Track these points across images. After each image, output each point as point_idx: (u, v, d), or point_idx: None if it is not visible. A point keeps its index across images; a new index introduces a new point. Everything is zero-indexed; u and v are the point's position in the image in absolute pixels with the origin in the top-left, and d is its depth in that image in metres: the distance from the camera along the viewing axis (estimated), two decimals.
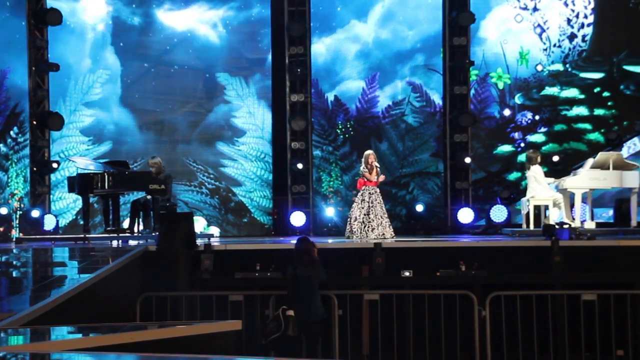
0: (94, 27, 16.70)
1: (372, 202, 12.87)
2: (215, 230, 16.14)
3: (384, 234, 12.74)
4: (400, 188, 16.74)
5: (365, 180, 13.01)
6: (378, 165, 13.13)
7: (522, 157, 16.78)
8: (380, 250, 11.06)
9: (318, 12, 16.73)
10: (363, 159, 13.17)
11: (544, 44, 16.86)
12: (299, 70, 16.14)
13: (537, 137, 16.82)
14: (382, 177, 13.17)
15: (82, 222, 13.98)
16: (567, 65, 16.84)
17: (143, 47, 16.86)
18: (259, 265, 11.08)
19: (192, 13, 16.96)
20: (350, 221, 13.04)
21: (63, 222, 16.13)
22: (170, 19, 16.92)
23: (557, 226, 11.83)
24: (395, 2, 16.94)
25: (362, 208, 12.90)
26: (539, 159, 13.57)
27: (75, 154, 16.32)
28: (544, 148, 16.46)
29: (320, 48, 16.81)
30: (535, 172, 13.38)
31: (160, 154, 15.32)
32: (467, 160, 16.09)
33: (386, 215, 12.97)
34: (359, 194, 13.11)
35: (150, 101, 16.88)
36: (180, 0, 16.94)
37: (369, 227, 12.78)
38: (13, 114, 15.93)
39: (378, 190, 13.04)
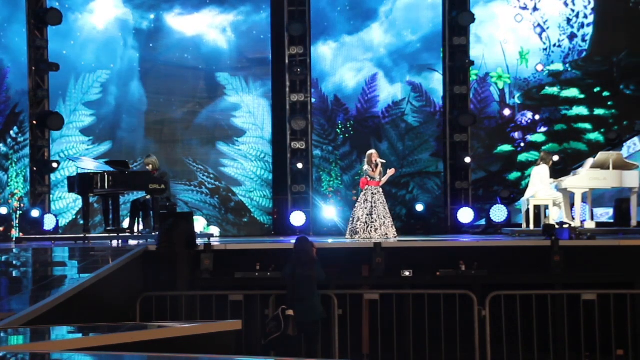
0: (100, 28, 16.69)
1: (374, 202, 12.84)
2: (215, 230, 16.13)
3: (386, 234, 12.72)
4: (400, 188, 16.74)
5: (369, 179, 12.98)
6: (382, 162, 13.08)
7: (522, 157, 16.80)
8: (380, 250, 11.06)
9: (319, 13, 16.71)
10: (366, 159, 13.13)
11: (544, 44, 16.86)
12: (299, 70, 16.13)
13: (537, 137, 16.82)
14: (391, 171, 13.11)
15: (82, 222, 13.98)
16: (567, 65, 16.84)
17: (146, 48, 16.84)
18: (259, 265, 11.09)
19: (197, 16, 16.97)
20: (353, 221, 13.02)
21: (63, 222, 16.13)
22: (177, 22, 16.92)
23: (557, 226, 11.83)
24: (395, 2, 16.94)
25: (365, 208, 12.87)
26: (550, 163, 13.53)
27: (75, 154, 16.32)
28: (544, 148, 16.45)
29: (324, 51, 16.80)
30: (542, 171, 13.34)
31: (161, 154, 15.33)
32: (467, 160, 16.08)
33: (389, 215, 12.94)
34: (362, 193, 13.08)
35: (151, 101, 16.88)
36: (191, 6, 16.92)
37: (371, 227, 12.75)
38: (13, 113, 15.93)
39: (381, 190, 13.01)
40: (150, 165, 13.24)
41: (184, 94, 16.96)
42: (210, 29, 16.97)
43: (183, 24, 16.95)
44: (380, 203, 12.87)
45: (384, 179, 13.04)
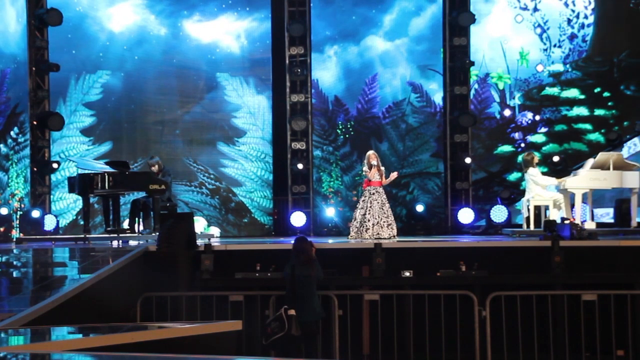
0: (115, 31, 16.68)
1: (370, 202, 12.81)
2: (215, 231, 16.09)
3: (379, 234, 12.61)
4: (401, 188, 16.73)
5: (368, 180, 12.99)
6: (382, 168, 13.03)
7: (522, 158, 16.80)
8: (381, 251, 11.07)
9: (319, 13, 16.70)
10: (365, 160, 13.14)
11: (544, 44, 16.86)
12: (299, 70, 16.13)
13: (538, 137, 16.81)
14: (394, 174, 13.12)
15: (82, 223, 13.97)
16: (567, 65, 16.84)
17: (149, 49, 16.82)
18: (259, 265, 11.09)
19: (211, 23, 17.01)
20: (352, 222, 13.05)
21: (63, 222, 16.12)
22: (189, 27, 16.95)
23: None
24: (396, 2, 16.93)
25: (362, 209, 12.88)
26: (534, 161, 13.49)
27: (76, 154, 16.31)
28: (544, 148, 16.46)
29: (324, 51, 16.79)
30: (533, 174, 13.35)
31: (161, 154, 15.31)
32: (468, 160, 16.09)
33: (386, 215, 12.81)
34: (362, 194, 13.09)
35: (151, 101, 16.87)
36: (209, 13, 16.93)
37: (364, 227, 12.74)
38: (13, 114, 15.92)
39: (380, 190, 12.91)
40: (156, 166, 13.27)
41: (185, 94, 16.96)
42: (224, 35, 16.95)
43: (196, 29, 16.93)
44: (377, 203, 12.78)
45: (387, 181, 13.03)
